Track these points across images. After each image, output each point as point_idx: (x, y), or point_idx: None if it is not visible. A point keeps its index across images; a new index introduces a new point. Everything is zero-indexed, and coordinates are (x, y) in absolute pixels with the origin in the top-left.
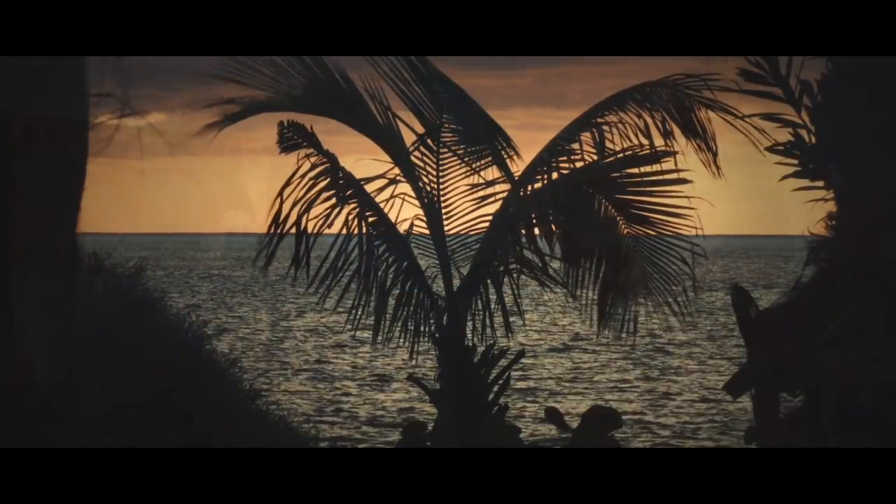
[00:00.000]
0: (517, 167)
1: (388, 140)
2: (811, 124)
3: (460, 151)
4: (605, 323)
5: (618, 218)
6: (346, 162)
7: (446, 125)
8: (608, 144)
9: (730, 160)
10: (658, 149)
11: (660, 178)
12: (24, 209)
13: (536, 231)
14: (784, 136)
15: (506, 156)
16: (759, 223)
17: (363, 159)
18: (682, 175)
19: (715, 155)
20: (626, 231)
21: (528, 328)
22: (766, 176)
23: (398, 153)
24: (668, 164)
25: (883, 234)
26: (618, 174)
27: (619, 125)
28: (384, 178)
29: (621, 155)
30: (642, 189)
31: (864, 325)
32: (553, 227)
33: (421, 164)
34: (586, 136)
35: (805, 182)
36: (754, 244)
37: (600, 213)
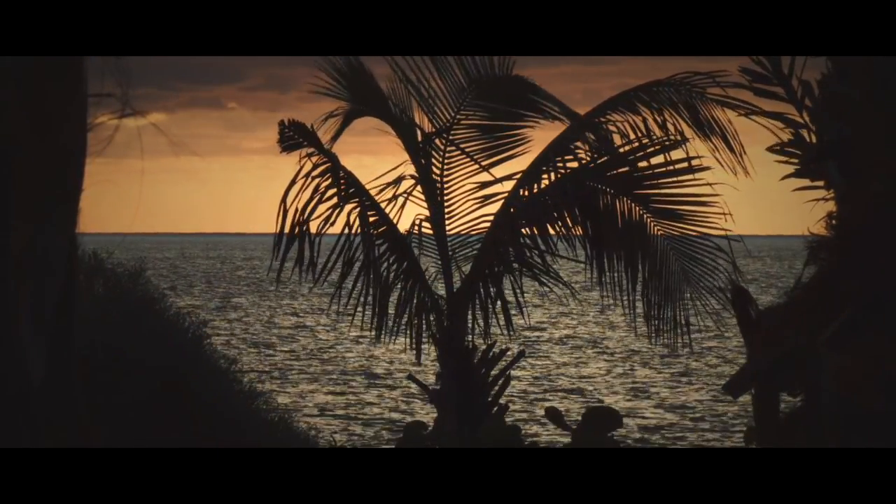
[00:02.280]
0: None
1: (411, 141)
2: (812, 124)
3: (470, 149)
4: (655, 327)
5: (645, 216)
6: (347, 161)
7: (463, 122)
8: (615, 143)
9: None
10: (669, 139)
11: (676, 167)
12: (22, 209)
13: (536, 231)
14: (787, 135)
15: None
16: (759, 223)
17: (369, 158)
18: (698, 163)
19: (741, 154)
20: (657, 230)
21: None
22: (767, 176)
23: (416, 154)
24: (678, 156)
25: (883, 233)
26: (632, 169)
27: (625, 124)
28: (406, 178)
29: (632, 146)
30: (662, 181)
31: (864, 324)
32: (575, 228)
33: (434, 167)
34: (591, 136)
35: (805, 182)
36: (760, 244)
37: (625, 213)
